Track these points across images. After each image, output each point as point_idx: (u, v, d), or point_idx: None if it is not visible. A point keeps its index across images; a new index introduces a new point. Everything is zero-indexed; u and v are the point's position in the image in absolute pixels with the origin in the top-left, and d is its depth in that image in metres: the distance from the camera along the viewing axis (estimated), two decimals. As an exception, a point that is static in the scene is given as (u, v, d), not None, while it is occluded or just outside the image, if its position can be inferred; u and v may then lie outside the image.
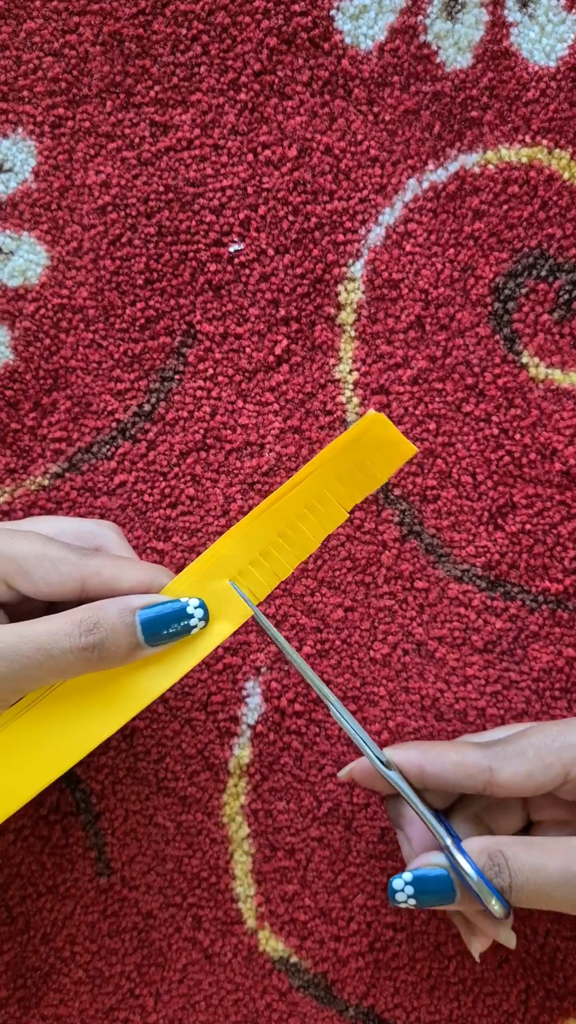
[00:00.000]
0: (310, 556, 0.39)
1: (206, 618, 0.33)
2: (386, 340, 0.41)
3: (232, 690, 0.41)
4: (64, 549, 0.32)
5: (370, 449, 0.33)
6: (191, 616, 0.32)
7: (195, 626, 0.33)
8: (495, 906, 0.32)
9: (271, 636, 0.34)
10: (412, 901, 0.34)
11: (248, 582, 0.33)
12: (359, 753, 0.40)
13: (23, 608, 0.33)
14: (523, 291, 0.41)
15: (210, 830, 0.40)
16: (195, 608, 0.33)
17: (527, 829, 0.36)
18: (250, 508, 0.41)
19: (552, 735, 0.34)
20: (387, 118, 0.41)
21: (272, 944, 0.40)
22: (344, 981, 0.40)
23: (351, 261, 0.41)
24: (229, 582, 0.33)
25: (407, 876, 0.34)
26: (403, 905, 0.34)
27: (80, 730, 0.33)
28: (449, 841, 0.33)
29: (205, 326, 0.41)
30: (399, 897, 0.34)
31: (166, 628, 0.32)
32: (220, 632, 0.33)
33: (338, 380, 0.41)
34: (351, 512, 0.36)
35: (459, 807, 0.36)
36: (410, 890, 0.34)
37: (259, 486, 0.41)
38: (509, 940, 0.34)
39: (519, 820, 0.36)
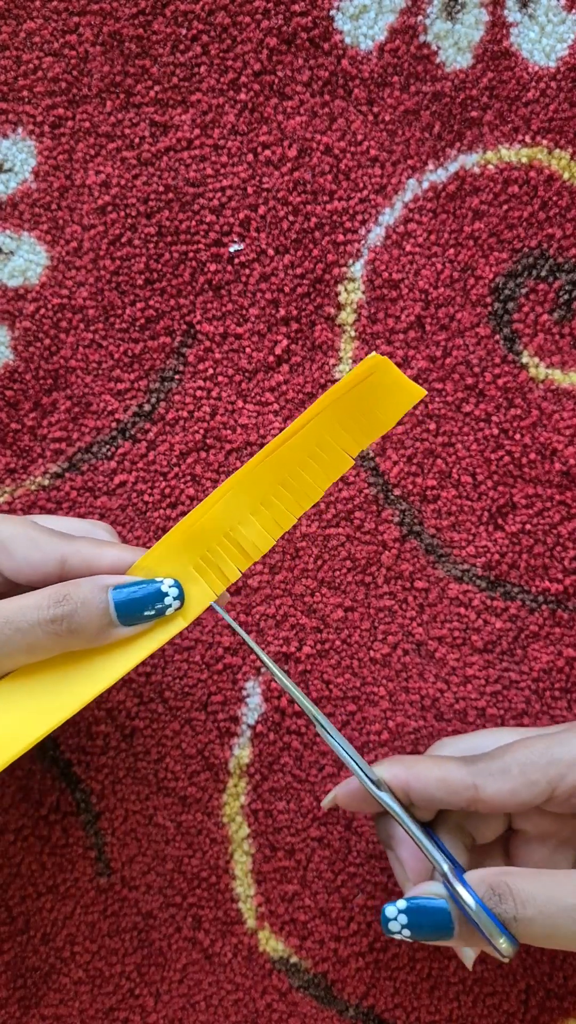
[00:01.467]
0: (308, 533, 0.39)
1: (181, 598, 0.32)
2: (386, 340, 0.41)
3: (232, 690, 0.41)
4: (46, 531, 0.33)
5: (374, 393, 0.32)
6: (166, 595, 0.32)
7: (170, 605, 0.32)
8: (503, 944, 0.30)
9: (254, 650, 0.33)
10: (406, 932, 0.31)
11: (248, 532, 0.32)
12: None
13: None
14: (523, 291, 0.41)
15: (210, 830, 0.40)
16: (170, 587, 0.32)
17: (508, 837, 0.36)
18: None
19: (538, 751, 0.33)
20: (387, 118, 0.41)
21: (272, 944, 0.40)
22: (344, 981, 0.40)
23: (351, 261, 0.41)
24: (212, 604, 0.33)
25: (401, 904, 0.31)
26: (396, 936, 0.32)
27: (45, 704, 0.32)
28: (447, 868, 0.31)
29: (205, 326, 0.41)
30: (392, 927, 0.31)
31: (140, 607, 0.32)
32: (197, 606, 0.33)
33: (338, 380, 0.41)
34: (356, 459, 0.34)
35: (441, 816, 0.35)
36: (404, 919, 0.31)
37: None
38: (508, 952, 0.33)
39: (501, 827, 0.35)
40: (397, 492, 0.41)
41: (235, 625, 0.33)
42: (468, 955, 0.35)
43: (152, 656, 0.40)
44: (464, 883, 0.31)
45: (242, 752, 0.41)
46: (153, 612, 0.32)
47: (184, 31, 0.41)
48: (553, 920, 0.30)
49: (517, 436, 0.41)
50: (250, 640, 0.33)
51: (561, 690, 0.41)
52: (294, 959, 0.40)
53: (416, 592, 0.41)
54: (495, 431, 0.41)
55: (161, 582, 0.32)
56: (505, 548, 0.41)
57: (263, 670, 0.41)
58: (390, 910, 0.31)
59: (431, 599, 0.41)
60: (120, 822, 0.40)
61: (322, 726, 0.33)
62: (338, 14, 0.40)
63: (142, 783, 0.40)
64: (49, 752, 0.40)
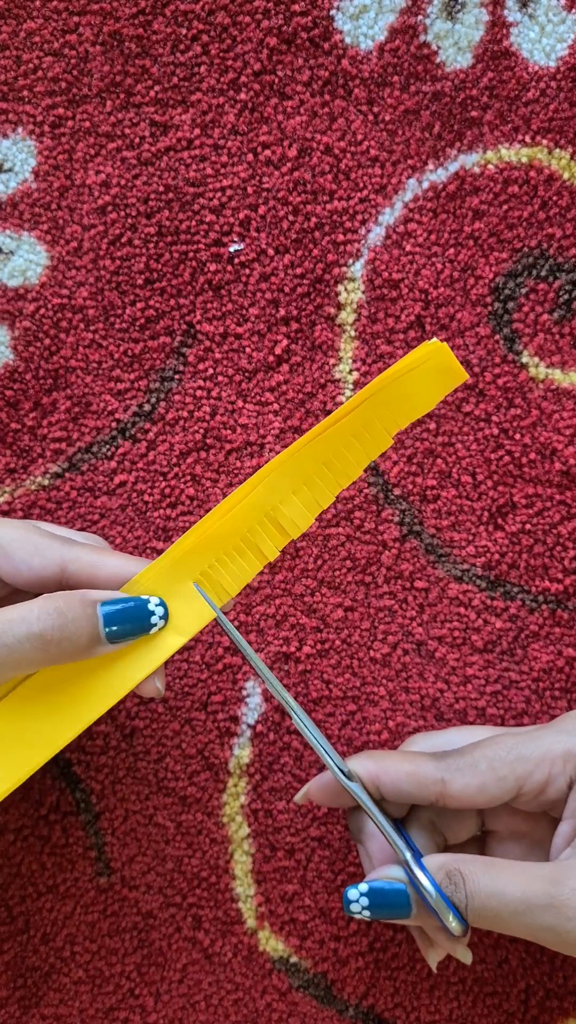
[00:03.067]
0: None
1: (166, 617, 0.32)
2: (386, 340, 0.41)
3: (232, 690, 0.41)
4: (47, 535, 0.33)
5: (424, 377, 0.32)
6: (151, 614, 0.32)
7: (155, 624, 0.32)
8: (452, 923, 0.32)
9: (233, 639, 0.33)
10: (367, 913, 0.33)
11: (289, 511, 0.33)
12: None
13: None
14: (523, 291, 0.41)
15: (210, 830, 0.40)
16: (155, 606, 0.32)
17: (484, 838, 0.36)
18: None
19: (507, 747, 0.33)
20: (387, 118, 0.41)
21: (272, 944, 0.40)
22: (344, 981, 0.40)
23: (351, 261, 0.41)
24: (193, 584, 0.33)
25: (363, 887, 0.33)
26: (357, 916, 0.33)
27: (45, 730, 0.32)
28: (409, 855, 0.33)
29: (205, 326, 0.41)
30: (353, 908, 0.33)
31: (126, 623, 0.32)
32: (184, 629, 0.33)
33: (338, 380, 0.41)
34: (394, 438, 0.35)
35: (414, 814, 0.36)
36: (365, 901, 0.33)
37: (259, 486, 0.41)
38: (465, 956, 0.34)
39: (474, 827, 0.35)
40: (397, 492, 0.41)
41: (225, 622, 0.33)
42: (432, 958, 0.35)
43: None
44: (423, 867, 0.32)
45: (242, 752, 0.41)
46: (140, 629, 0.32)
47: (184, 31, 0.41)
48: (496, 912, 0.31)
49: (517, 436, 0.41)
50: (232, 630, 0.33)
51: (561, 690, 0.41)
52: (294, 959, 0.40)
53: (416, 592, 0.41)
54: (495, 431, 0.41)
55: (148, 600, 0.32)
56: (505, 548, 0.41)
57: (268, 688, 0.41)
58: (352, 892, 0.33)
59: (431, 599, 0.41)
60: (120, 822, 0.40)
61: (298, 717, 0.34)
62: (338, 14, 0.40)
63: (142, 783, 0.40)
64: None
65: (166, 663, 0.41)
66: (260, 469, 0.33)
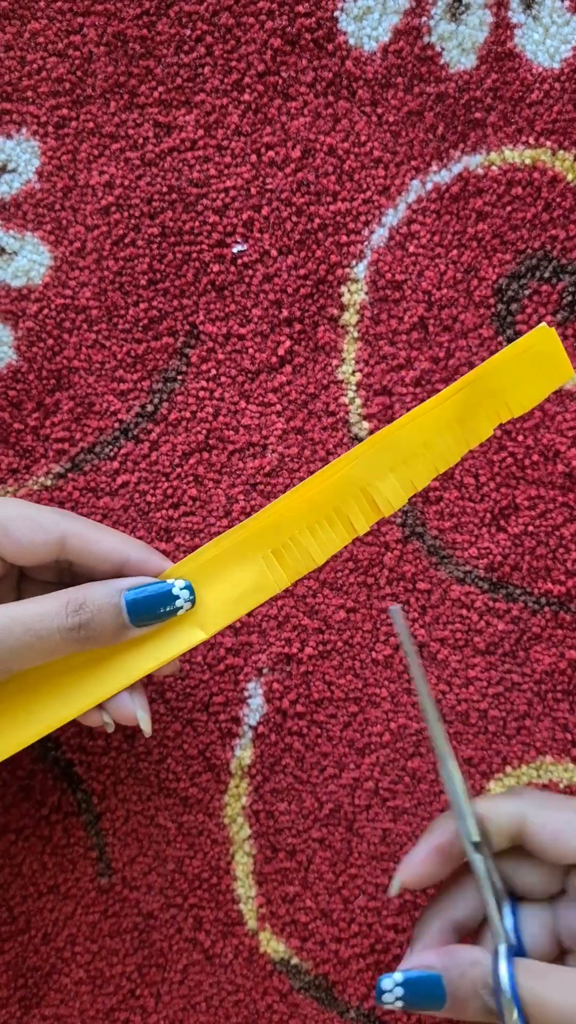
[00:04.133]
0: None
1: (192, 600, 0.33)
2: (389, 341, 0.41)
3: (234, 691, 0.41)
4: (45, 509, 0.33)
5: (530, 367, 0.32)
6: (176, 598, 0.33)
7: (181, 607, 0.33)
8: None
9: (412, 671, 0.32)
10: (400, 1004, 0.31)
11: (384, 487, 0.33)
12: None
13: None
14: (526, 293, 0.41)
15: (211, 831, 0.40)
16: (180, 590, 0.33)
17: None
18: (253, 509, 0.41)
19: None
20: (391, 119, 0.41)
21: (273, 945, 0.40)
22: (345, 983, 0.40)
23: (354, 262, 0.41)
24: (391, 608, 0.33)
25: (398, 977, 0.31)
26: (388, 1007, 0.31)
27: (61, 700, 0.33)
28: (503, 948, 0.30)
29: (208, 327, 0.41)
30: (386, 998, 0.31)
31: (152, 609, 0.32)
32: (213, 624, 0.33)
33: (341, 381, 0.41)
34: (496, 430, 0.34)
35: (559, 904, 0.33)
36: (399, 992, 0.31)
37: (261, 487, 0.41)
38: None
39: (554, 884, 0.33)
40: (400, 493, 0.41)
41: (406, 640, 0.33)
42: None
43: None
44: (510, 963, 0.30)
45: (244, 753, 0.41)
46: (165, 612, 0.33)
47: (188, 32, 0.41)
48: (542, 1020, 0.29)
49: (520, 438, 0.41)
50: (414, 658, 0.32)
51: (563, 692, 0.40)
52: (295, 960, 0.40)
53: (418, 593, 0.41)
54: (498, 433, 0.41)
55: (172, 583, 0.33)
56: (508, 550, 0.41)
57: (264, 671, 0.41)
58: (386, 983, 0.31)
59: (433, 601, 0.41)
60: (121, 823, 0.40)
61: (448, 768, 0.32)
62: (342, 15, 0.40)
63: (143, 784, 0.40)
64: (51, 752, 0.41)
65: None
66: (359, 444, 0.33)
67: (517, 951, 0.31)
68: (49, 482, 0.41)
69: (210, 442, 0.41)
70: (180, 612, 0.33)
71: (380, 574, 0.41)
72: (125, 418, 0.41)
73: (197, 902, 0.40)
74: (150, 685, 0.41)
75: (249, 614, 0.41)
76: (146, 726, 0.33)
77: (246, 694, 0.41)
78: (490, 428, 0.33)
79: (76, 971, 0.40)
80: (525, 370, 0.32)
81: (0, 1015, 0.40)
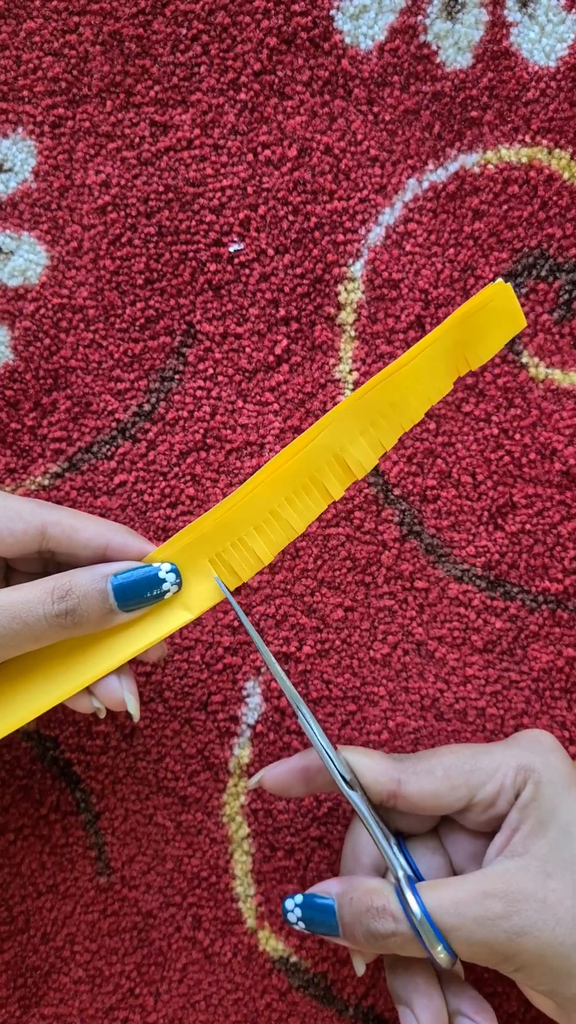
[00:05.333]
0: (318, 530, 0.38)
1: (179, 582, 0.33)
2: (386, 340, 0.41)
3: (232, 690, 0.41)
4: (24, 500, 0.33)
5: (488, 320, 0.33)
6: (163, 581, 0.33)
7: (168, 591, 0.33)
8: (441, 955, 0.31)
9: (249, 632, 0.34)
10: (302, 924, 0.34)
11: (355, 451, 0.33)
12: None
13: None
14: (523, 291, 0.41)
15: (210, 830, 0.40)
16: (167, 573, 0.33)
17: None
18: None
19: (464, 757, 0.33)
20: (387, 118, 0.41)
21: (272, 944, 0.40)
22: (344, 981, 0.40)
23: (351, 261, 0.41)
24: (215, 578, 0.34)
25: (298, 899, 0.34)
26: (294, 926, 0.34)
27: (51, 683, 0.33)
28: (402, 874, 0.32)
29: (205, 326, 0.41)
30: (290, 917, 0.34)
31: (139, 593, 0.33)
32: (199, 603, 0.34)
33: (338, 380, 0.41)
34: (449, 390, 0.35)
35: (421, 837, 0.35)
36: (299, 912, 0.34)
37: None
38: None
39: (479, 849, 0.35)
40: (397, 492, 0.41)
41: (237, 607, 0.34)
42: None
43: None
44: (414, 890, 0.31)
45: (242, 752, 0.41)
46: (152, 596, 0.33)
47: (184, 31, 0.41)
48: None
49: (517, 436, 0.41)
50: (248, 622, 0.34)
51: (561, 690, 0.41)
52: (294, 959, 0.40)
53: (416, 592, 0.41)
54: (495, 431, 0.41)
55: (159, 567, 0.33)
56: (505, 548, 0.41)
57: (263, 670, 0.41)
58: (288, 903, 0.34)
59: (431, 599, 0.41)
60: (120, 822, 0.40)
61: (304, 717, 0.34)
62: (338, 14, 0.40)
63: (142, 783, 0.41)
64: (49, 752, 0.41)
65: (166, 662, 0.41)
66: (328, 412, 0.33)
67: (417, 880, 0.33)
68: (47, 482, 0.41)
69: (207, 441, 0.41)
70: (167, 595, 0.33)
71: (378, 573, 0.41)
72: (122, 418, 0.41)
73: (196, 901, 0.40)
74: (147, 685, 0.41)
75: (248, 613, 0.41)
76: (134, 709, 0.34)
77: (244, 693, 0.41)
78: (450, 383, 0.34)
79: (75, 970, 0.40)
80: (482, 325, 0.33)
81: (0, 1014, 0.40)
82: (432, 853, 0.35)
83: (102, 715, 0.34)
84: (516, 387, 0.41)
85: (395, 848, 0.33)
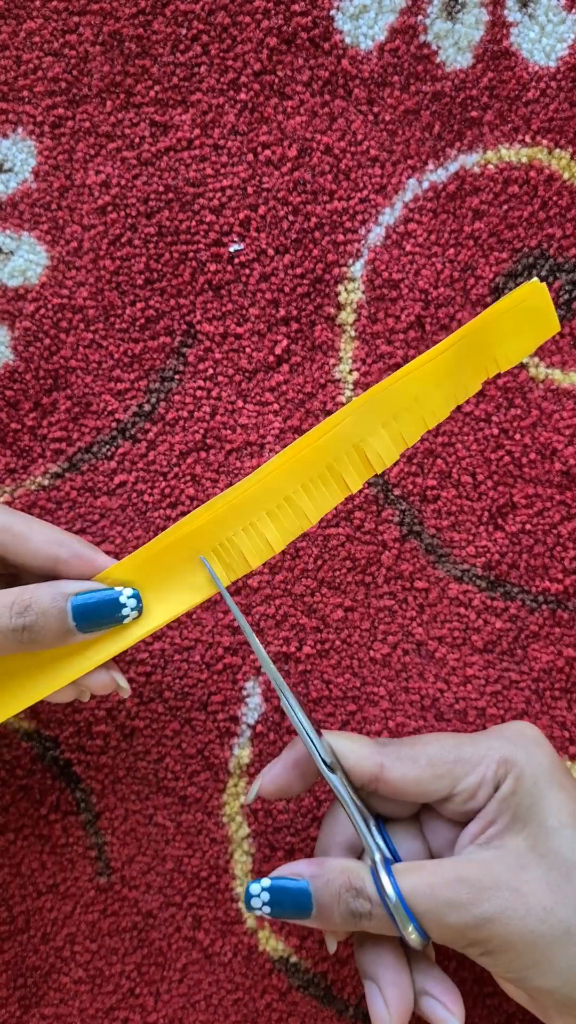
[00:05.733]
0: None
1: (139, 608, 0.33)
2: (386, 340, 0.41)
3: (232, 690, 0.41)
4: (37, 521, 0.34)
5: (519, 321, 0.32)
6: (123, 606, 0.33)
7: (127, 616, 0.33)
8: (412, 936, 0.31)
9: (235, 615, 0.34)
10: (267, 909, 0.33)
11: (376, 443, 0.33)
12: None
13: None
14: (523, 291, 0.41)
15: (210, 830, 0.40)
16: (128, 598, 0.33)
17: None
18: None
19: (448, 747, 0.33)
20: (387, 118, 0.41)
21: (272, 944, 0.40)
22: (344, 981, 0.40)
23: (351, 261, 0.41)
24: (200, 558, 0.33)
25: (265, 882, 0.33)
26: (257, 912, 0.33)
27: (7, 695, 0.33)
28: (379, 857, 0.32)
29: (205, 326, 0.41)
30: (254, 903, 0.33)
31: (98, 616, 0.32)
32: (159, 615, 0.33)
33: (338, 380, 0.41)
34: (482, 387, 0.35)
35: (400, 821, 0.35)
36: (267, 896, 0.32)
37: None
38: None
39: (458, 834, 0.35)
40: (397, 492, 0.41)
41: (222, 587, 0.34)
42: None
43: (152, 656, 0.40)
44: (389, 872, 0.32)
45: (242, 752, 0.41)
46: (111, 619, 0.33)
47: (184, 31, 0.41)
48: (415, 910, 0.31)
49: (517, 436, 0.41)
50: (230, 600, 0.34)
51: (561, 690, 0.41)
52: (294, 959, 0.40)
53: (416, 592, 0.41)
54: (495, 431, 0.41)
55: (120, 591, 0.33)
56: (505, 548, 0.41)
57: (263, 670, 0.41)
58: (254, 887, 0.33)
59: (431, 599, 0.41)
60: (120, 822, 0.40)
61: (286, 700, 0.33)
62: (338, 14, 0.40)
63: (142, 783, 0.41)
64: (49, 752, 0.41)
65: (166, 662, 0.41)
66: (351, 401, 0.33)
67: (394, 862, 0.33)
68: (47, 482, 0.41)
69: (207, 441, 0.41)
70: (126, 620, 0.33)
71: (378, 573, 0.41)
72: (122, 418, 0.41)
73: (196, 901, 0.40)
74: (147, 685, 0.41)
75: (247, 613, 0.41)
76: (123, 683, 0.34)
77: (244, 693, 0.41)
78: (478, 383, 0.33)
79: (75, 970, 0.40)
80: (514, 325, 0.33)
81: (0, 1014, 0.40)
82: (412, 838, 0.35)
83: (85, 698, 0.34)
84: (516, 387, 0.41)
85: (374, 830, 0.33)
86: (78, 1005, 0.40)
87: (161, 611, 0.33)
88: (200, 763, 0.41)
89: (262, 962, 0.40)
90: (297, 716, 0.33)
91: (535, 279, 0.33)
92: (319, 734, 0.34)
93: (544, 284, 0.32)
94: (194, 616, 0.41)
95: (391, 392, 0.33)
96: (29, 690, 0.33)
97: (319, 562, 0.41)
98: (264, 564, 0.41)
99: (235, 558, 0.33)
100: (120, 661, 0.40)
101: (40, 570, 0.33)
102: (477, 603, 0.41)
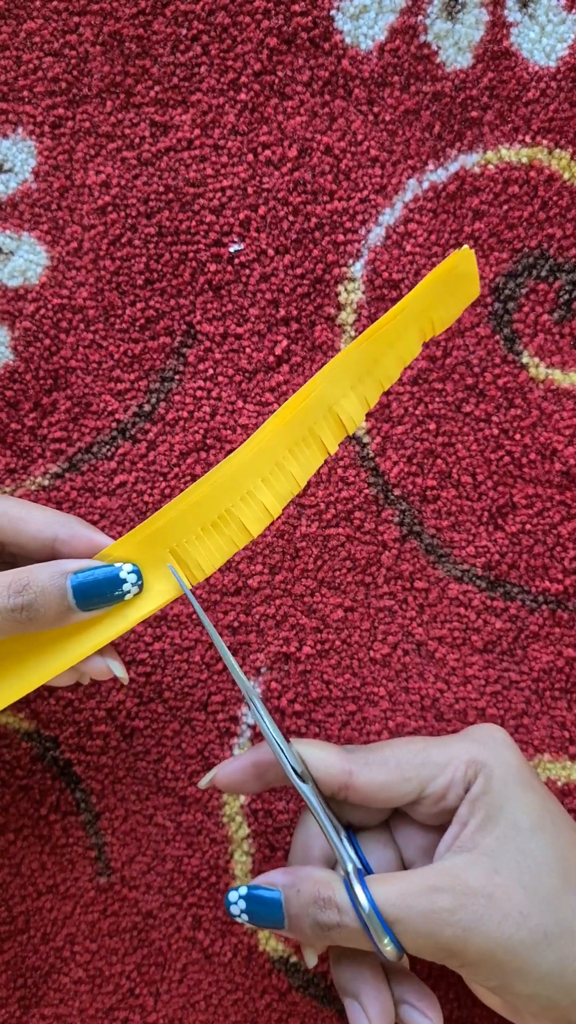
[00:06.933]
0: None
1: (139, 584, 0.33)
2: (386, 340, 0.41)
3: (232, 690, 0.41)
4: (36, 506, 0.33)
5: (450, 286, 0.34)
6: (124, 582, 0.32)
7: (128, 592, 0.32)
8: (387, 948, 0.31)
9: (200, 617, 0.34)
10: (245, 916, 0.33)
11: (348, 405, 0.34)
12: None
13: None
14: (523, 291, 0.41)
15: (210, 830, 0.40)
16: (128, 574, 0.32)
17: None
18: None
19: (416, 750, 0.33)
20: (387, 118, 0.41)
21: (272, 944, 0.40)
22: (344, 981, 0.40)
23: (351, 261, 0.41)
24: (168, 566, 0.33)
25: (242, 891, 0.33)
26: (238, 920, 0.33)
27: (9, 680, 0.33)
28: (351, 867, 0.32)
29: (205, 326, 0.41)
30: (233, 910, 0.33)
31: (99, 593, 0.32)
32: (160, 595, 0.33)
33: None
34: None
35: (371, 831, 0.35)
36: (243, 905, 0.33)
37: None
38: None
39: (431, 843, 0.35)
40: (397, 492, 0.41)
41: (193, 599, 0.34)
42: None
43: (152, 656, 0.40)
44: (363, 882, 0.31)
45: (242, 752, 0.41)
46: (112, 596, 0.32)
47: (184, 31, 0.41)
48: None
49: (517, 436, 0.41)
50: (202, 613, 0.34)
51: (561, 690, 0.41)
52: (294, 959, 0.40)
53: (416, 592, 0.41)
54: (495, 431, 0.41)
55: (120, 567, 0.32)
56: (505, 548, 0.41)
57: (262, 670, 0.41)
58: (232, 895, 0.33)
59: (431, 599, 0.41)
60: (120, 822, 0.40)
61: (256, 708, 0.33)
62: (338, 14, 0.40)
63: (142, 783, 0.41)
64: (49, 752, 0.41)
65: (166, 663, 0.41)
66: (323, 366, 0.34)
67: (366, 873, 0.33)
68: (47, 482, 0.41)
69: (207, 442, 0.41)
70: (127, 597, 0.33)
71: (378, 573, 0.41)
72: (122, 418, 0.41)
73: (196, 901, 0.40)
74: (147, 685, 0.41)
75: (247, 614, 0.41)
76: (121, 672, 0.33)
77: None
78: (419, 345, 0.35)
79: (75, 970, 0.40)
80: (447, 290, 0.34)
81: (0, 1015, 0.40)
82: (383, 847, 0.35)
83: (85, 681, 0.34)
84: (516, 387, 0.41)
85: (345, 841, 0.33)
86: (78, 1005, 0.40)
87: (162, 590, 0.33)
88: (200, 763, 0.41)
89: (262, 962, 0.40)
90: (267, 725, 0.33)
91: (465, 246, 0.34)
92: (288, 741, 0.34)
93: (471, 250, 0.34)
94: (194, 616, 0.41)
95: (357, 354, 0.34)
96: (29, 675, 0.33)
97: (319, 562, 0.41)
98: (264, 564, 0.41)
99: (235, 529, 0.33)
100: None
101: (39, 553, 0.33)
102: (477, 603, 0.41)
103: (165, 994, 0.40)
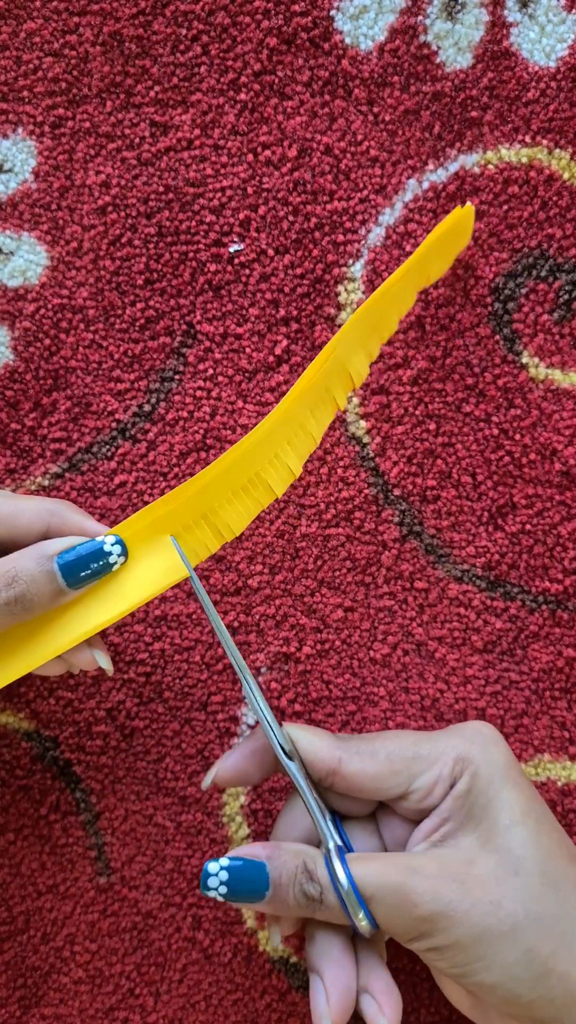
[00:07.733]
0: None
1: (124, 553, 0.33)
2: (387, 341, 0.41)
3: (232, 690, 0.41)
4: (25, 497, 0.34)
5: (448, 240, 0.36)
6: (108, 554, 0.32)
7: (114, 563, 0.33)
8: (362, 922, 0.31)
9: (201, 599, 0.34)
10: (223, 889, 0.32)
11: (358, 364, 0.36)
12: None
13: None
14: (523, 291, 0.41)
15: (210, 830, 0.40)
16: (112, 545, 0.33)
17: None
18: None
19: (407, 744, 0.33)
20: (387, 118, 0.41)
21: (272, 944, 0.40)
22: (344, 981, 0.40)
23: (351, 261, 0.41)
24: (171, 538, 0.33)
25: (223, 861, 0.32)
26: (212, 894, 0.32)
27: (9, 661, 0.33)
28: (332, 845, 0.32)
29: (205, 326, 0.41)
30: (211, 883, 0.32)
31: (85, 568, 0.32)
32: (159, 578, 0.33)
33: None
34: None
35: (358, 819, 0.35)
36: (225, 875, 0.32)
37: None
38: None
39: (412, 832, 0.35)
40: (397, 492, 0.41)
41: (196, 582, 0.34)
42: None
43: (152, 656, 0.40)
44: (343, 860, 0.32)
45: (237, 744, 0.41)
46: (98, 568, 0.32)
47: (184, 31, 0.41)
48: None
49: (517, 436, 0.41)
50: (202, 591, 0.34)
51: (561, 690, 0.41)
52: (294, 959, 0.40)
53: (416, 592, 0.41)
54: (495, 431, 0.41)
55: (102, 541, 0.33)
56: (505, 548, 0.41)
57: (262, 670, 0.41)
58: (211, 866, 0.32)
59: (431, 599, 0.41)
60: (120, 822, 0.40)
61: (247, 684, 0.33)
62: (338, 14, 0.40)
63: (142, 783, 0.41)
64: (49, 752, 0.41)
65: (166, 663, 0.41)
66: (343, 326, 0.36)
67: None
68: (47, 482, 0.41)
69: (207, 442, 0.41)
70: (114, 568, 0.33)
71: (378, 573, 0.41)
72: (122, 418, 0.41)
73: (196, 901, 0.40)
74: (147, 685, 0.41)
75: (247, 614, 0.41)
76: (106, 664, 0.34)
77: (244, 693, 0.41)
78: (413, 297, 0.37)
79: (75, 970, 0.40)
80: (443, 244, 0.37)
81: (0, 1015, 0.40)
82: (368, 836, 0.35)
83: (75, 671, 0.34)
84: (516, 387, 0.41)
85: (328, 822, 0.33)
86: (78, 1005, 0.40)
87: (165, 569, 0.34)
88: (200, 763, 0.41)
89: (262, 962, 0.40)
90: (258, 702, 0.33)
91: (468, 204, 0.37)
92: (280, 724, 0.34)
93: (472, 207, 0.36)
94: (194, 616, 0.41)
95: (370, 313, 0.36)
96: (18, 663, 0.33)
97: (319, 562, 0.41)
98: (264, 564, 0.41)
99: (262, 491, 0.34)
100: (120, 661, 0.40)
101: (32, 542, 0.33)
102: (477, 603, 0.41)
103: (165, 994, 0.40)
